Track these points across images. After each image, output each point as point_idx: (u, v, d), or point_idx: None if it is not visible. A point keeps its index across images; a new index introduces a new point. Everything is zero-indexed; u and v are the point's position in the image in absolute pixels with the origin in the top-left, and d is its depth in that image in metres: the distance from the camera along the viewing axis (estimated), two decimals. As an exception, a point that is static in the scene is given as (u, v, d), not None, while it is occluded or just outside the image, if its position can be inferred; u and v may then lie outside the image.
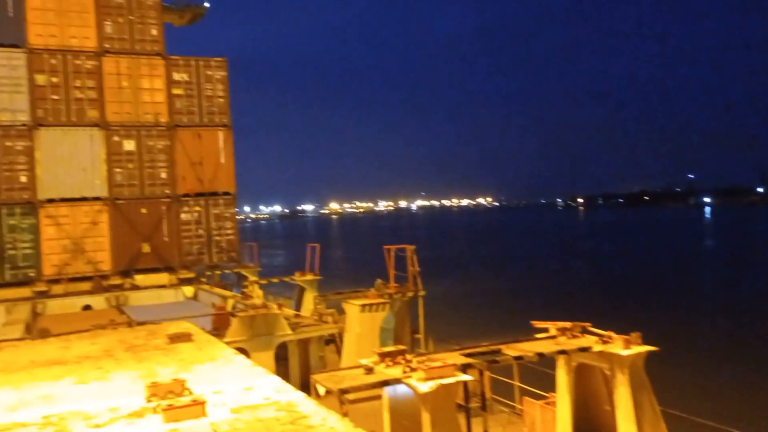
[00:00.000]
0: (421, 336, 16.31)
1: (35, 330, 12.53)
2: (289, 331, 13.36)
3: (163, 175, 20.25)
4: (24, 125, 18.68)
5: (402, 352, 8.04)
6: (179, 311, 15.72)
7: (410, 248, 16.35)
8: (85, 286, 18.38)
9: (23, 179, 18.50)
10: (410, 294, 16.29)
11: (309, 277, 20.61)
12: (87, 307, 17.38)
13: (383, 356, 7.90)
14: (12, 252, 18.15)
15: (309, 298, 19.73)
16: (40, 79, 18.97)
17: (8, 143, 18.46)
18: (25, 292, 17.84)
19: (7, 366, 8.88)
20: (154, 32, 20.63)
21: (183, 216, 20.38)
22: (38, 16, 19.15)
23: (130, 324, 11.91)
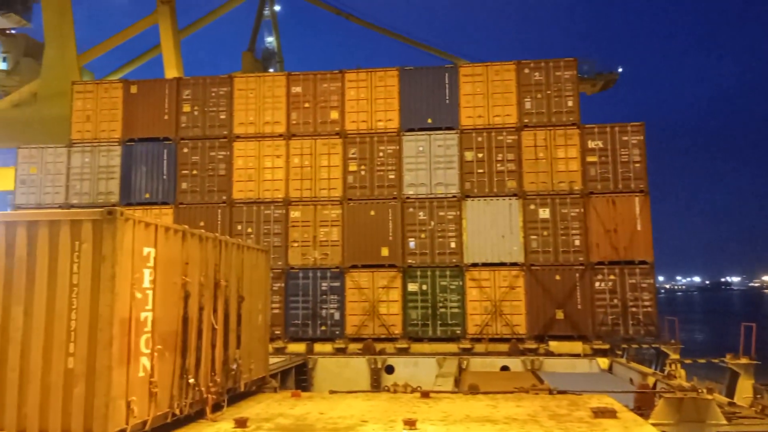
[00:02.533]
0: None
1: (465, 385, 13.52)
2: (724, 421, 11.76)
3: (577, 242, 20.34)
4: (454, 197, 20.90)
5: None
6: (596, 384, 15.27)
7: None
8: (503, 347, 19.33)
9: (453, 245, 20.61)
10: None
11: (743, 360, 18.07)
12: (504, 368, 18.19)
13: None
14: (443, 310, 20.22)
15: (745, 386, 17.24)
16: (468, 155, 21.11)
17: (441, 213, 20.84)
18: (452, 347, 19.60)
19: (446, 416, 9.68)
20: (570, 104, 21.25)
21: (597, 284, 20.05)
22: (469, 100, 21.51)
23: (551, 392, 12.00)
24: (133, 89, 23.23)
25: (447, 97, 21.67)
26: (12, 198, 22.83)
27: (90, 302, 8.62)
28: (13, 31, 38.21)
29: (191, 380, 10.42)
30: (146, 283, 9.43)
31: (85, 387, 8.24)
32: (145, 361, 9.16)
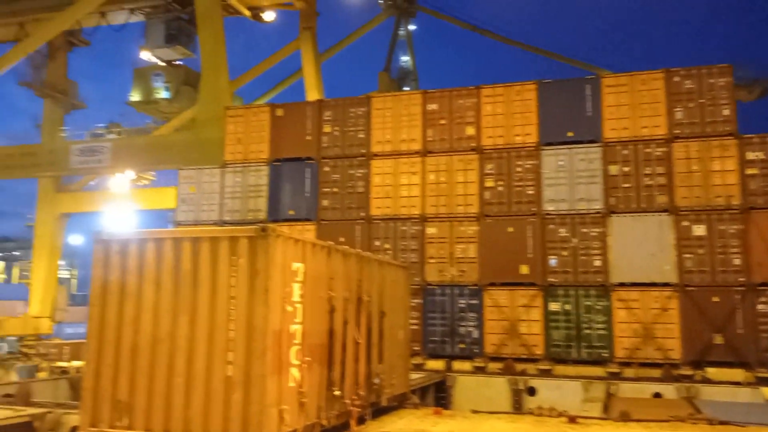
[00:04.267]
0: None
1: (615, 411, 12.86)
2: None
3: (737, 261, 18.79)
4: (598, 212, 20.05)
5: None
6: (761, 415, 13.96)
7: None
8: (655, 372, 18.17)
9: (597, 263, 19.73)
10: None
11: None
12: (657, 395, 17.09)
13: None
14: (587, 332, 19.37)
15: None
16: (613, 169, 20.19)
17: (584, 229, 20.06)
18: (598, 371, 18.70)
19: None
20: (726, 112, 19.79)
21: (759, 307, 18.39)
22: (612, 112, 20.62)
23: (710, 422, 11.14)
24: (279, 112, 24.46)
25: (588, 110, 20.92)
26: (174, 215, 24.72)
27: (246, 314, 9.11)
28: (178, 62, 41.68)
29: (337, 392, 10.70)
30: (296, 297, 9.82)
31: (242, 394, 8.70)
32: (294, 372, 9.53)
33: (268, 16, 38.89)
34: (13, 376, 29.98)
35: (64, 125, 43.23)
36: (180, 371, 8.96)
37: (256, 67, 43.37)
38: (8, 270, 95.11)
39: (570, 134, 20.99)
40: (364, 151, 22.97)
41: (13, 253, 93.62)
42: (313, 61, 41.87)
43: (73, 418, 10.82)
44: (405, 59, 60.05)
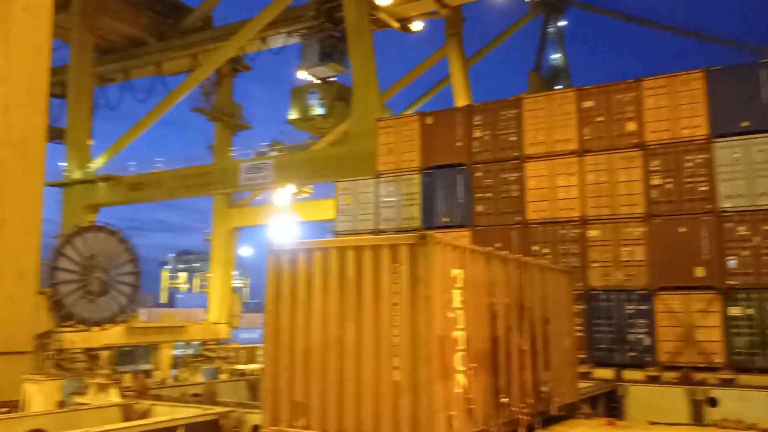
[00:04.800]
0: None
1: None
2: None
3: None
4: (783, 208, 18.20)
5: None
6: None
7: None
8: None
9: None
10: None
11: None
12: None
13: None
14: None
15: None
16: (800, 160, 18.26)
17: (766, 227, 18.30)
18: None
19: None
20: None
21: None
22: (795, 95, 18.65)
23: None
24: (429, 120, 24.68)
25: (765, 97, 19.07)
26: (333, 226, 25.77)
27: (409, 320, 9.25)
28: (332, 79, 43.68)
29: (504, 400, 10.55)
30: (456, 303, 9.82)
31: (410, 399, 8.84)
32: (460, 378, 9.51)
33: (417, 25, 39.56)
34: (199, 377, 32.76)
35: (232, 145, 46.73)
36: (350, 375, 9.28)
37: (405, 77, 44.24)
38: (190, 280, 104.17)
39: (745, 124, 19.23)
40: (517, 154, 22.52)
41: (194, 264, 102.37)
42: (460, 66, 41.95)
43: (254, 417, 11.57)
44: (555, 57, 58.41)
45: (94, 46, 42.29)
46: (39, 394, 14.12)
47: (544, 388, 11.85)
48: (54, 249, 20.60)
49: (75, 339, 22.77)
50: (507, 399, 10.55)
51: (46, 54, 19.46)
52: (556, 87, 54.60)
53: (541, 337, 12.38)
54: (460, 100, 41.15)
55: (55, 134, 40.17)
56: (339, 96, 43.27)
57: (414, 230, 22.42)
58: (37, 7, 18.92)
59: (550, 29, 57.26)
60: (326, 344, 9.53)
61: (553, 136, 22.12)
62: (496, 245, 20.09)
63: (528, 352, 11.66)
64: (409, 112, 42.92)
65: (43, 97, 19.49)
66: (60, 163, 40.58)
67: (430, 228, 22.76)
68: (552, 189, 21.68)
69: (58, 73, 34.46)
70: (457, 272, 9.93)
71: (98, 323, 20.71)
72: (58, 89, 40.89)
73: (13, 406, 14.63)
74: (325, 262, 9.84)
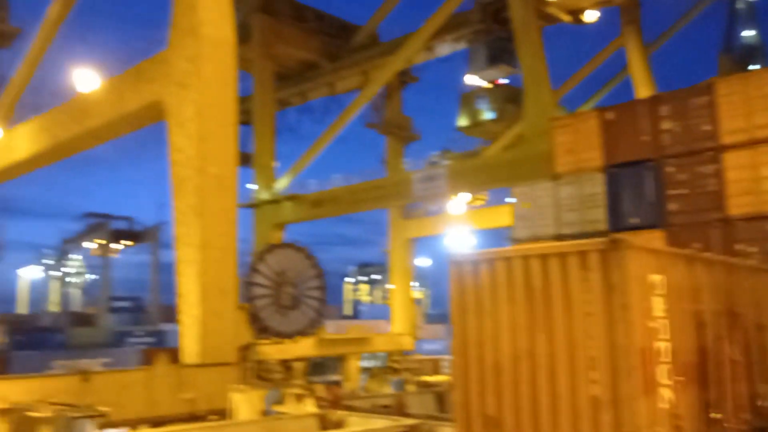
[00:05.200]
0: None
1: None
2: None
3: None
4: None
5: None
6: None
7: None
8: None
9: None
10: None
11: None
12: None
13: None
14: None
15: None
16: None
17: None
18: None
19: None
20: None
21: None
22: None
23: None
24: (609, 115, 23.31)
25: None
26: (511, 232, 25.17)
27: (605, 331, 8.65)
28: (503, 81, 43.10)
29: (716, 416, 9.57)
30: (658, 312, 9.07)
31: (611, 415, 8.24)
32: (666, 393, 8.75)
33: (590, 16, 37.69)
34: (387, 389, 33.54)
35: (404, 157, 47.64)
36: (544, 389, 8.85)
37: (578, 72, 42.42)
38: (372, 292, 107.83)
39: None
40: (712, 144, 20.52)
41: (374, 276, 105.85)
42: (639, 55, 39.39)
43: (444, 430, 11.47)
44: (748, 35, 52.90)
45: (273, 73, 45.25)
46: (245, 403, 15.16)
47: (761, 402, 10.62)
48: (249, 266, 22.14)
49: (271, 351, 24.27)
50: (719, 415, 9.53)
51: (232, 86, 21.07)
52: (750, 67, 49.40)
53: (756, 345, 11.10)
54: (642, 91, 38.52)
55: (244, 159, 43.50)
56: (509, 98, 42.50)
57: (599, 234, 21.18)
58: (224, 43, 20.52)
59: (739, 5, 52.02)
60: (516, 356, 9.17)
61: (753, 121, 19.90)
62: (695, 246, 18.43)
63: (741, 362, 10.49)
64: (586, 108, 41.04)
65: (232, 126, 21.09)
66: (249, 185, 43.84)
67: (617, 230, 21.35)
68: (756, 180, 19.48)
69: (243, 102, 37.33)
70: (656, 278, 9.16)
71: (290, 336, 21.88)
72: (244, 117, 44.25)
73: (221, 413, 15.85)
74: (509, 272, 9.50)
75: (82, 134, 24.81)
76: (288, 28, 43.74)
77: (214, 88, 20.11)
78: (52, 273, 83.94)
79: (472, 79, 43.15)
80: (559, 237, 23.07)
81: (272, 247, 22.52)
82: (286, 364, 27.05)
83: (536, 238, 23.70)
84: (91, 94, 24.12)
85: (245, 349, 20.11)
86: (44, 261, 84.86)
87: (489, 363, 9.41)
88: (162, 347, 42.80)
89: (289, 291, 21.78)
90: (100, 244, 64.85)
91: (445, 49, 42.59)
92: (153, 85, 21.07)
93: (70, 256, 79.18)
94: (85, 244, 69.04)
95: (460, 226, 43.33)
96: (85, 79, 24.43)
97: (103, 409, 13.97)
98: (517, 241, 24.42)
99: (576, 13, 37.45)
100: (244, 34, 39.90)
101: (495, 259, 9.78)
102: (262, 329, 21.00)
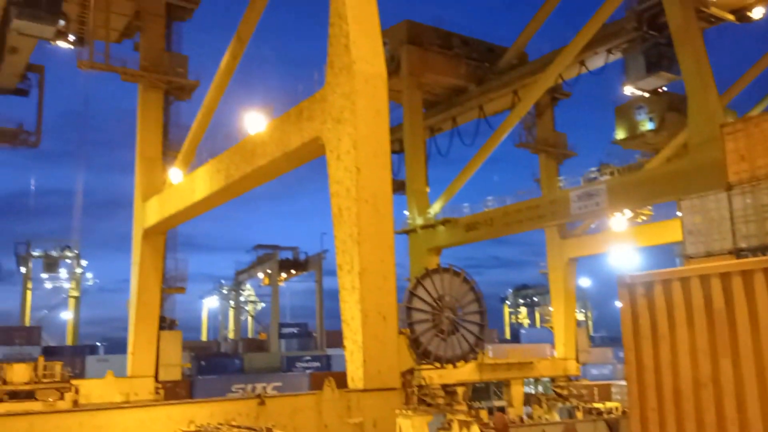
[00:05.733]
0: None
1: None
2: None
3: None
4: None
5: None
6: None
7: None
8: None
9: None
10: None
11: None
12: None
13: None
14: None
15: None
16: None
17: None
18: None
19: None
20: None
21: None
22: None
23: None
24: (787, 116, 21.24)
25: None
26: (681, 249, 23.51)
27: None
28: (663, 89, 40.73)
29: None
30: None
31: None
32: None
33: (757, 12, 34.75)
34: (555, 416, 32.33)
35: (559, 175, 46.29)
36: (731, 418, 8.13)
37: (746, 74, 39.12)
38: (530, 315, 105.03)
39: None
40: None
41: (533, 299, 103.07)
42: (819, 48, 35.60)
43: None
44: None
45: (422, 101, 46.06)
46: (411, 429, 15.26)
47: None
48: (407, 291, 22.43)
49: (433, 376, 24.31)
50: None
51: (385, 117, 21.69)
52: None
53: None
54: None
55: (397, 186, 44.47)
56: (670, 107, 40.05)
57: (785, 246, 19.19)
58: (376, 77, 21.24)
59: None
60: (698, 383, 8.51)
61: None
62: None
63: None
64: (758, 111, 37.68)
65: (386, 156, 21.69)
66: (403, 212, 44.68)
67: (805, 241, 19.29)
68: None
69: (395, 132, 38.26)
70: None
71: (451, 361, 21.79)
72: (396, 146, 45.35)
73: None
74: (686, 293, 8.87)
75: (252, 173, 26.64)
76: (435, 57, 44.45)
77: (368, 120, 20.82)
78: (228, 302, 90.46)
79: (630, 90, 41.15)
80: (737, 252, 21.22)
81: (429, 272, 22.64)
82: (447, 389, 26.96)
83: (710, 254, 21.97)
84: (258, 135, 25.90)
85: (407, 374, 20.31)
86: (222, 291, 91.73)
87: (667, 390, 8.80)
88: (329, 371, 44.38)
89: (447, 316, 21.77)
90: (269, 274, 68.94)
91: (598, 61, 41.11)
92: (313, 122, 22.24)
93: (244, 285, 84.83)
94: (256, 274, 73.77)
95: (624, 243, 41.14)
96: (253, 121, 26.24)
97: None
98: (689, 257, 22.75)
99: (741, 11, 34.67)
100: (393, 66, 41.15)
101: (670, 279, 9.19)
102: (422, 354, 21.13)
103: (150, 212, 36.32)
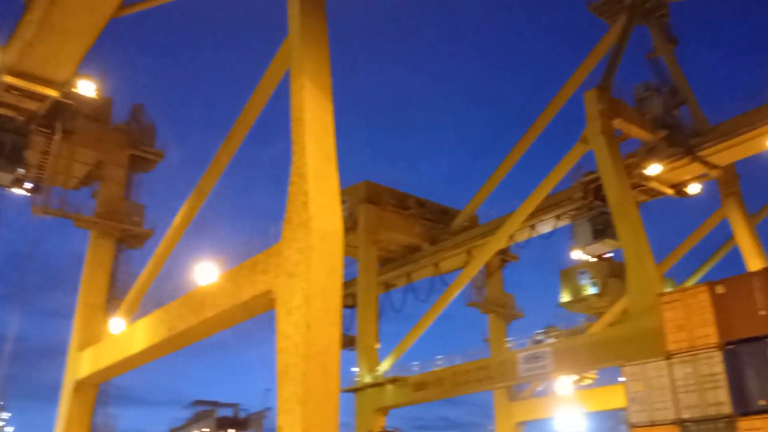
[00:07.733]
0: None
1: None
2: None
3: None
4: None
5: None
6: None
7: None
8: None
9: None
10: None
11: None
12: None
13: None
14: None
15: None
16: None
17: None
18: None
19: None
20: None
21: None
22: None
23: None
24: (719, 289, 22.57)
25: None
26: (626, 416, 23.64)
27: None
28: (608, 255, 42.64)
29: None
30: None
31: None
32: None
33: (693, 189, 37.84)
34: None
35: (507, 335, 46.67)
36: None
37: (681, 245, 41.46)
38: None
39: None
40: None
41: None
42: (745, 226, 38.34)
43: None
44: None
45: (378, 258, 46.89)
46: None
47: None
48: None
49: None
50: None
51: (339, 273, 21.95)
52: None
53: None
54: (754, 263, 36.92)
55: (347, 342, 43.87)
56: (612, 273, 41.74)
57: (724, 418, 19.51)
58: (332, 234, 21.74)
59: None
60: None
61: None
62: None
63: None
64: (693, 281, 39.57)
65: (337, 312, 21.69)
66: (351, 369, 43.60)
67: (744, 414, 19.71)
68: None
69: (348, 286, 38.48)
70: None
71: None
72: (349, 300, 45.37)
73: None
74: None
75: (198, 325, 26.12)
76: (391, 216, 46.00)
77: (322, 276, 21.02)
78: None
79: (577, 254, 43.07)
80: (681, 422, 21.48)
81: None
82: None
83: (654, 423, 22.17)
84: (208, 286, 25.72)
85: None
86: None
87: None
88: None
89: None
90: (206, 433, 65.10)
91: (547, 225, 43.27)
92: (266, 275, 22.35)
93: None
94: (193, 432, 69.66)
95: (570, 408, 40.90)
96: (205, 271, 26.15)
97: None
98: (633, 425, 22.87)
99: (679, 186, 37.64)
100: (351, 223, 42.25)
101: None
102: None
103: (84, 362, 34.72)
